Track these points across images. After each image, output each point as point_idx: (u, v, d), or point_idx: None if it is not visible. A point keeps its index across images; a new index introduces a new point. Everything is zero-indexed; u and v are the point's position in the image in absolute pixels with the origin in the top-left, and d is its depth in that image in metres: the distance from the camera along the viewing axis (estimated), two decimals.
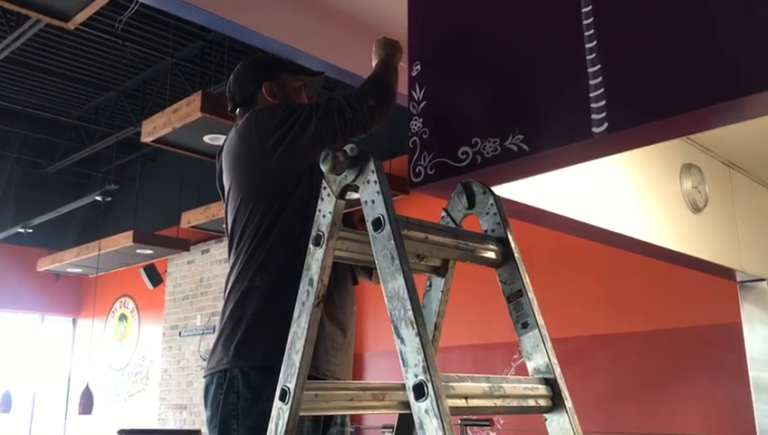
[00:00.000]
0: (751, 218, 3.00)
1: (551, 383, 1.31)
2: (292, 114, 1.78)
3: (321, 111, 1.75)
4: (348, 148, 1.24)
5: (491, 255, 1.40)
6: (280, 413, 1.20)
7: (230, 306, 1.74)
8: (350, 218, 1.85)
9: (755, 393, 3.03)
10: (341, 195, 1.26)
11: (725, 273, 2.91)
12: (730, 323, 3.55)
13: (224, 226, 1.91)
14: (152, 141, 4.80)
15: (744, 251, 2.87)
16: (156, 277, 8.27)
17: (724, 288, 3.32)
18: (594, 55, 1.46)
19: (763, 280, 3.05)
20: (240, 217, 1.79)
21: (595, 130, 1.43)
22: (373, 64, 1.94)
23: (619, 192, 2.28)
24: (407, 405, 1.11)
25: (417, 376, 1.07)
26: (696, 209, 2.61)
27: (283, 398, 1.21)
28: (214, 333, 8.28)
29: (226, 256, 1.88)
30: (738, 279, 3.07)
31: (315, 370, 1.63)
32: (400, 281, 1.13)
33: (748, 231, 2.92)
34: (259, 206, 1.76)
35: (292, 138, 1.75)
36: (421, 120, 1.77)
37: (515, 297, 1.37)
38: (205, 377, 1.75)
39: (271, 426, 1.21)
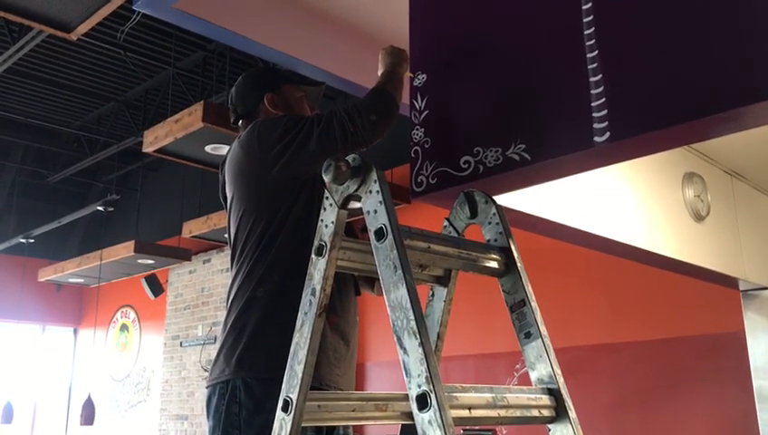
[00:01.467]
0: (753, 227, 2.99)
1: (554, 393, 1.30)
2: (295, 126, 1.78)
3: (323, 124, 1.76)
4: (350, 158, 1.24)
5: (493, 264, 1.40)
6: (282, 424, 1.20)
7: (232, 317, 1.73)
8: (352, 228, 1.84)
9: (759, 403, 3.02)
10: (344, 205, 1.26)
11: (728, 281, 2.90)
12: (733, 332, 3.54)
13: (226, 236, 1.91)
14: (154, 151, 4.80)
15: (746, 259, 2.86)
16: (157, 287, 8.26)
17: (726, 297, 3.31)
18: (596, 65, 1.47)
19: (766, 288, 3.04)
20: (242, 228, 1.79)
21: (597, 139, 1.43)
22: (379, 73, 1.94)
23: (621, 201, 2.28)
24: (409, 416, 1.11)
25: (420, 386, 1.07)
26: (699, 218, 2.61)
27: (285, 409, 1.20)
28: (215, 343, 8.26)
29: (228, 266, 1.88)
30: (741, 288, 3.06)
31: (318, 380, 1.62)
32: (403, 291, 1.13)
33: (750, 239, 2.92)
34: (261, 216, 1.76)
35: (293, 150, 1.75)
36: (423, 129, 1.78)
37: (518, 307, 1.37)
38: (207, 388, 1.74)
39: None
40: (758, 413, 3.01)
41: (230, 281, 1.81)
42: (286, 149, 1.75)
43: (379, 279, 1.18)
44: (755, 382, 3.05)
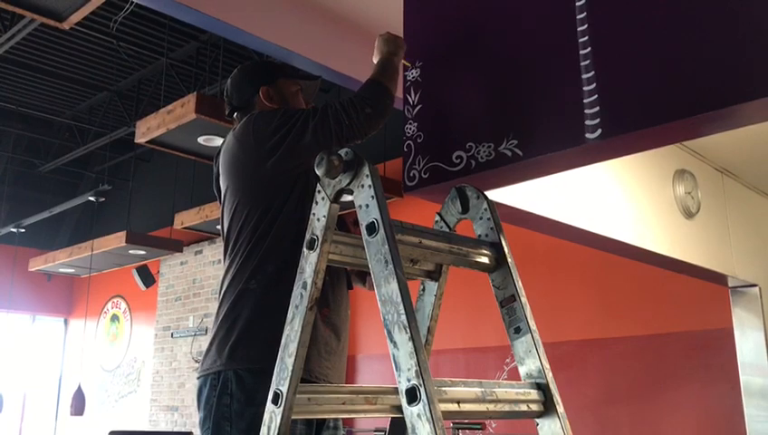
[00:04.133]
0: (743, 224, 3.01)
1: (543, 388, 1.31)
2: (290, 119, 1.78)
3: (318, 117, 1.76)
4: (342, 152, 1.25)
5: (484, 259, 1.40)
6: (272, 416, 1.20)
7: (225, 308, 1.74)
8: (344, 221, 1.85)
9: (746, 398, 3.05)
10: (336, 199, 1.27)
11: (717, 278, 2.92)
12: (722, 329, 3.56)
13: (218, 227, 1.91)
14: (146, 142, 4.78)
15: (736, 257, 2.88)
16: (148, 278, 8.24)
17: (715, 293, 3.34)
18: (588, 62, 1.47)
19: (754, 286, 3.06)
20: (236, 220, 1.79)
21: (588, 135, 1.44)
22: (374, 60, 1.93)
23: (612, 197, 2.29)
24: (399, 409, 1.11)
25: (409, 380, 1.07)
26: (689, 215, 2.62)
27: (275, 401, 1.21)
28: (206, 334, 8.24)
29: (219, 258, 1.89)
30: (730, 284, 3.08)
31: (308, 373, 1.63)
32: (394, 285, 1.13)
33: (740, 237, 2.94)
34: (255, 209, 1.76)
35: (288, 143, 1.75)
36: (416, 124, 1.78)
37: (508, 302, 1.38)
38: (198, 378, 1.75)
39: (263, 429, 1.21)
40: (745, 408, 3.04)
41: (223, 273, 1.81)
42: (281, 141, 1.76)
43: (370, 274, 1.18)
44: (743, 378, 3.07)
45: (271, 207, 1.75)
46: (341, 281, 1.85)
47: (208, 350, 1.74)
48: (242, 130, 1.86)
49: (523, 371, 1.35)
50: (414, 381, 1.07)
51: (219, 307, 1.77)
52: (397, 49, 1.91)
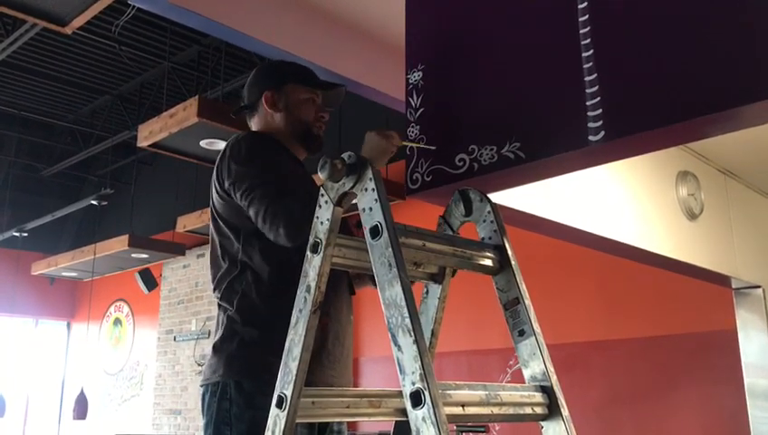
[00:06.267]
0: (746, 225, 3.01)
1: (547, 391, 1.31)
2: (249, 187, 1.67)
3: (270, 217, 1.61)
4: (345, 155, 1.25)
5: (488, 262, 1.40)
6: (276, 420, 1.20)
7: (224, 318, 1.74)
8: (346, 223, 1.84)
9: (750, 400, 3.04)
10: (339, 202, 1.27)
11: (721, 280, 2.92)
12: (725, 330, 3.55)
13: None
14: (148, 146, 4.78)
15: (739, 258, 2.88)
16: (151, 282, 8.24)
17: (719, 295, 3.33)
18: (591, 64, 1.47)
19: (758, 287, 3.06)
20: (226, 230, 1.77)
21: (591, 138, 1.44)
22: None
23: (616, 199, 2.29)
24: (403, 412, 1.11)
25: (414, 384, 1.07)
26: (692, 216, 2.62)
27: (279, 405, 1.21)
28: (208, 337, 8.18)
29: None
30: (733, 286, 3.08)
31: (313, 385, 1.62)
32: (398, 288, 1.13)
33: (743, 238, 2.93)
34: (241, 221, 1.73)
35: (236, 204, 1.70)
36: (418, 127, 1.78)
37: (512, 305, 1.38)
38: (201, 386, 1.75)
39: (267, 433, 1.21)
40: (749, 410, 3.03)
41: (219, 278, 1.79)
42: (231, 195, 1.71)
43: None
44: (747, 379, 3.07)
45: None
46: (342, 288, 1.83)
47: (210, 358, 1.74)
48: (225, 148, 1.79)
49: (527, 373, 1.35)
50: (418, 385, 1.07)
51: (218, 316, 1.78)
52: (380, 155, 1.72)
